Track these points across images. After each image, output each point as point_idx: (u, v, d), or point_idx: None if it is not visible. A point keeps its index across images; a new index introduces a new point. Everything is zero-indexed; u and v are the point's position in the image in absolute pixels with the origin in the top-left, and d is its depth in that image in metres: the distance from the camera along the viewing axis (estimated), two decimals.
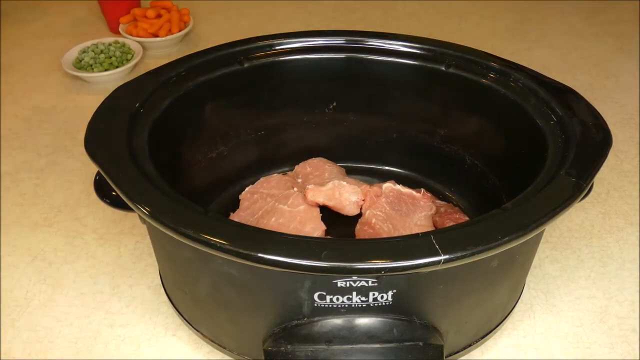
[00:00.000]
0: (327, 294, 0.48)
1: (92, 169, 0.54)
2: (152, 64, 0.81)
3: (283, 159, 0.81)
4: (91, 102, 1.04)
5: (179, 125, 0.67)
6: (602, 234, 0.77)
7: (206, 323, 0.59)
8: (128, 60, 1.10)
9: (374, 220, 0.69)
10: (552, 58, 1.19)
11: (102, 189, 0.57)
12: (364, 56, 0.73)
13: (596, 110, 0.60)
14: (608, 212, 0.80)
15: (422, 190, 0.74)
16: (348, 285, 0.47)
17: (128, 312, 0.66)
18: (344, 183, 0.72)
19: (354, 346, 0.50)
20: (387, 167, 0.82)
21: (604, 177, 0.86)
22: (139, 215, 0.51)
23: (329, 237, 0.68)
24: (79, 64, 1.09)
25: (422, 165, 0.80)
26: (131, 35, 1.18)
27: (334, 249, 0.43)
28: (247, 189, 0.76)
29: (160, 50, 1.20)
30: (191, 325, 0.61)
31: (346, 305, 0.49)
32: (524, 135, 0.63)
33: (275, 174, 0.79)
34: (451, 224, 0.68)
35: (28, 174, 0.88)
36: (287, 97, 0.76)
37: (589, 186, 0.51)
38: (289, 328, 0.51)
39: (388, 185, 0.72)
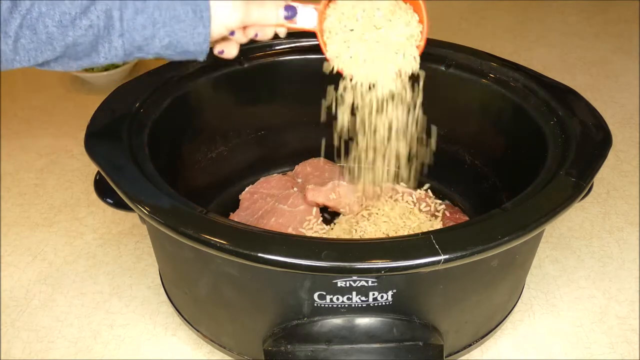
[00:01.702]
0: (327, 294, 0.48)
1: (92, 169, 0.54)
2: (152, 64, 0.80)
3: (283, 159, 0.81)
4: (91, 102, 1.03)
5: (179, 125, 0.67)
6: (602, 234, 0.77)
7: (206, 323, 0.59)
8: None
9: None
10: (552, 58, 1.19)
11: (102, 189, 0.57)
12: None
13: (596, 110, 0.60)
14: (608, 212, 0.80)
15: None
16: (348, 285, 0.47)
17: (128, 312, 0.66)
18: (344, 183, 0.72)
19: (354, 346, 0.50)
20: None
21: (604, 177, 0.86)
22: (139, 215, 0.51)
23: (329, 237, 0.68)
24: None
25: (423, 165, 0.80)
26: None
27: (334, 249, 0.43)
28: (247, 189, 0.76)
29: None
30: (191, 325, 0.61)
31: (346, 305, 0.49)
32: (524, 135, 0.63)
33: (275, 174, 0.79)
34: (451, 224, 0.68)
35: (28, 174, 0.88)
36: (288, 97, 0.76)
37: (588, 186, 0.51)
38: (289, 328, 0.51)
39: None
